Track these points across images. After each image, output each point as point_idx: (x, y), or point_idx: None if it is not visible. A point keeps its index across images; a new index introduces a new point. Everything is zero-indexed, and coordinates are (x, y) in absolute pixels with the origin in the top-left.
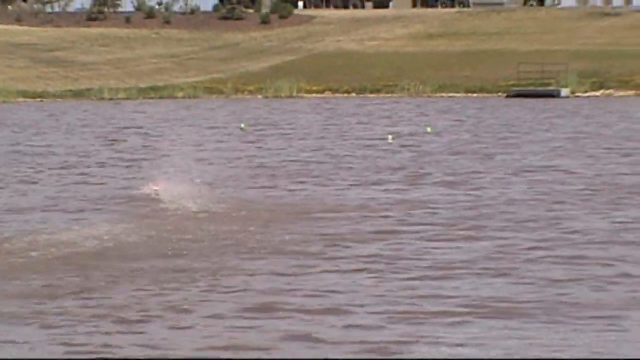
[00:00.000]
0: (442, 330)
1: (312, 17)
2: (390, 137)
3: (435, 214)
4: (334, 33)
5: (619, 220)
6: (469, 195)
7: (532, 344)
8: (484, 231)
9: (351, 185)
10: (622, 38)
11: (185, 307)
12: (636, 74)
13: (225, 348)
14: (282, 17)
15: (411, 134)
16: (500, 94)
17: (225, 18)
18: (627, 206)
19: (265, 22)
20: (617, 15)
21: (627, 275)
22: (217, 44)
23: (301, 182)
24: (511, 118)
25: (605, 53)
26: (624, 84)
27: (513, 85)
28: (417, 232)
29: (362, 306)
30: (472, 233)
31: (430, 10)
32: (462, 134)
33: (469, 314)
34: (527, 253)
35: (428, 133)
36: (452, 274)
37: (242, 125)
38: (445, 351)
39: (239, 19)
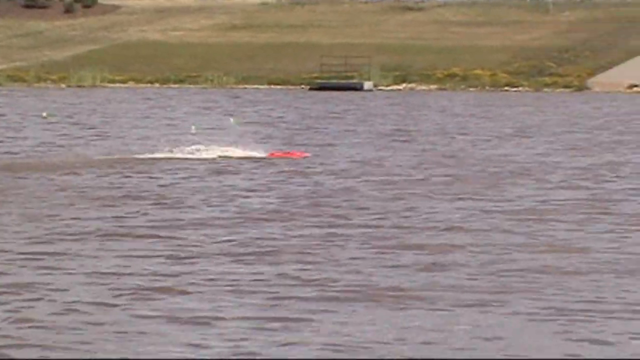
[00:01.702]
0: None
1: (116, 7)
2: (193, 127)
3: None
4: (138, 23)
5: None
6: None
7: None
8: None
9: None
10: (424, 32)
11: None
12: (438, 68)
13: None
14: (86, 6)
15: (214, 126)
16: (303, 86)
17: (28, 6)
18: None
19: (69, 10)
20: (420, 9)
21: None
22: (19, 31)
23: None
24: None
25: (407, 47)
26: (425, 78)
27: (316, 78)
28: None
29: None
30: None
31: (235, 1)
32: (264, 126)
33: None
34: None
35: (232, 124)
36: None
37: (44, 114)
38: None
39: (43, 7)
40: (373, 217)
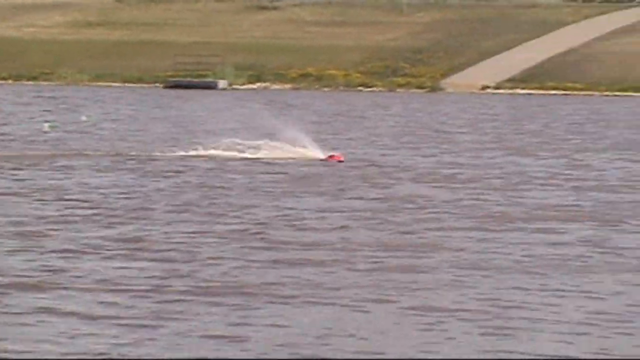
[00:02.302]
0: None
1: None
2: (46, 125)
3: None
4: None
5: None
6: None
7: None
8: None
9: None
10: (279, 32)
11: None
12: (292, 67)
13: None
14: None
15: (69, 122)
16: (157, 84)
17: None
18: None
19: None
20: (275, 8)
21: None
22: None
23: None
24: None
25: (262, 46)
26: (280, 77)
27: (170, 76)
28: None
29: None
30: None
31: None
32: (116, 124)
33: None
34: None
35: (84, 121)
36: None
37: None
38: None
39: None
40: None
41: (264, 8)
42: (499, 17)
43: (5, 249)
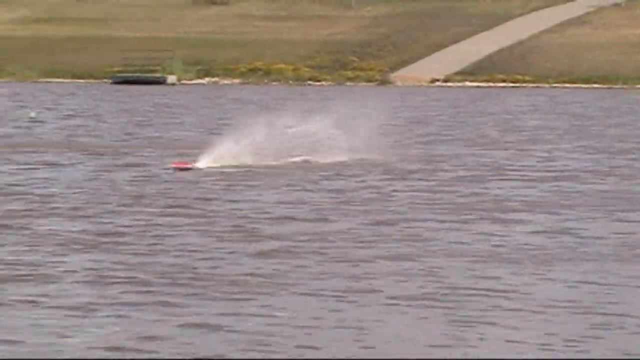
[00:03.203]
0: None
1: None
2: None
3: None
4: None
5: None
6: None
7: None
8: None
9: None
10: (227, 26)
11: None
12: (241, 62)
13: None
14: None
15: (14, 119)
16: (106, 80)
17: None
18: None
19: None
20: (223, 3)
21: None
22: None
23: None
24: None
25: (210, 41)
26: (229, 72)
27: (119, 72)
28: None
29: None
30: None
31: None
32: (65, 120)
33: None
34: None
35: (32, 118)
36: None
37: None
38: None
39: None
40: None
41: (212, 3)
42: (448, 10)
43: None
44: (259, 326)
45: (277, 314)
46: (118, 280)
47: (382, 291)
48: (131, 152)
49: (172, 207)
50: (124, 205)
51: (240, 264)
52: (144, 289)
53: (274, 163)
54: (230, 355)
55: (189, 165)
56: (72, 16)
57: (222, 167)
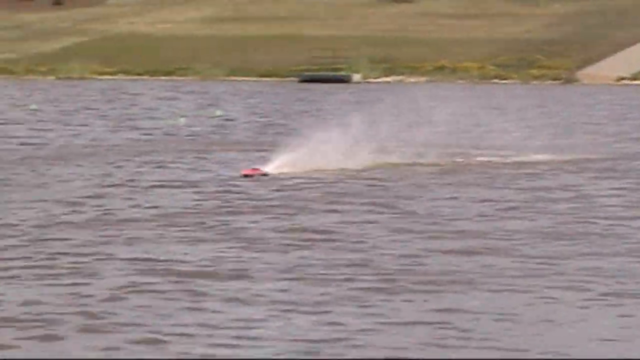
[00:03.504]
0: None
1: None
2: (182, 119)
3: None
4: (127, 15)
5: None
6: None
7: None
8: None
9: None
10: (411, 25)
11: None
12: (426, 60)
13: None
14: None
15: (199, 116)
16: (292, 78)
17: None
18: None
19: (58, 2)
20: (408, 2)
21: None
22: (8, 23)
23: None
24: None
25: (395, 39)
26: (414, 70)
27: (305, 70)
28: None
29: None
30: None
31: None
32: (255, 117)
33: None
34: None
35: (217, 116)
36: None
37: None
38: None
39: None
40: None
41: (397, 1)
42: (635, 7)
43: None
44: (460, 322)
45: (477, 309)
46: (319, 277)
47: (585, 289)
48: None
49: (375, 205)
50: (331, 202)
51: (438, 262)
52: (349, 285)
53: (460, 160)
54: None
55: (261, 171)
56: (258, 15)
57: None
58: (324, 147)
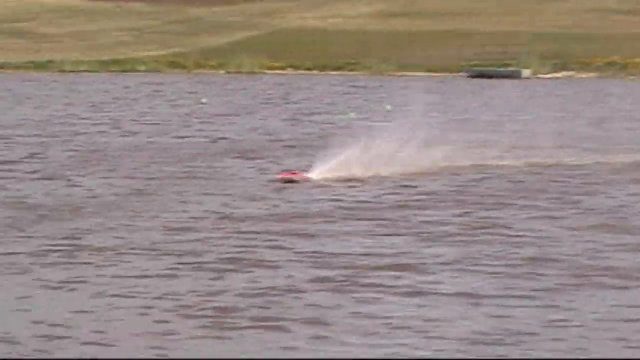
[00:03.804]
0: None
1: None
2: (352, 114)
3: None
4: (297, 10)
5: None
6: None
7: None
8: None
9: None
10: (583, 20)
11: None
12: (597, 55)
13: None
14: None
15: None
16: (461, 73)
17: None
18: None
19: None
20: None
21: None
22: (179, 18)
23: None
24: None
25: (566, 35)
26: (585, 66)
27: (475, 66)
28: None
29: None
30: None
31: None
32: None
33: None
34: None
35: (387, 110)
36: None
37: (204, 100)
38: None
39: None
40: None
41: None
42: None
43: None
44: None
45: None
46: (498, 272)
47: None
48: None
49: (556, 201)
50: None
51: (614, 257)
52: (532, 281)
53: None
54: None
55: (299, 176)
56: (428, 11)
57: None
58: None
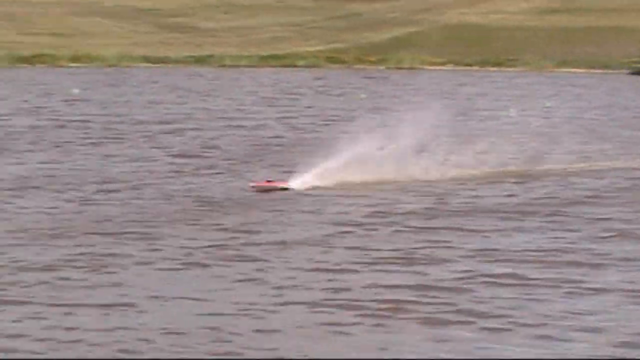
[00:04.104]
0: None
1: None
2: (511, 110)
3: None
4: (458, 5)
5: None
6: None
7: None
8: None
9: None
10: None
11: None
12: None
13: None
14: None
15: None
16: (622, 70)
17: None
18: None
19: None
20: None
21: None
22: (339, 13)
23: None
24: None
25: None
26: None
27: (635, 62)
28: None
29: None
30: None
31: None
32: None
33: None
34: None
35: (547, 107)
36: None
37: (362, 95)
38: None
39: None
40: None
41: None
42: None
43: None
44: None
45: None
46: None
47: None
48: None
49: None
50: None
51: None
52: None
53: None
54: None
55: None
56: (587, 7)
57: None
58: None
